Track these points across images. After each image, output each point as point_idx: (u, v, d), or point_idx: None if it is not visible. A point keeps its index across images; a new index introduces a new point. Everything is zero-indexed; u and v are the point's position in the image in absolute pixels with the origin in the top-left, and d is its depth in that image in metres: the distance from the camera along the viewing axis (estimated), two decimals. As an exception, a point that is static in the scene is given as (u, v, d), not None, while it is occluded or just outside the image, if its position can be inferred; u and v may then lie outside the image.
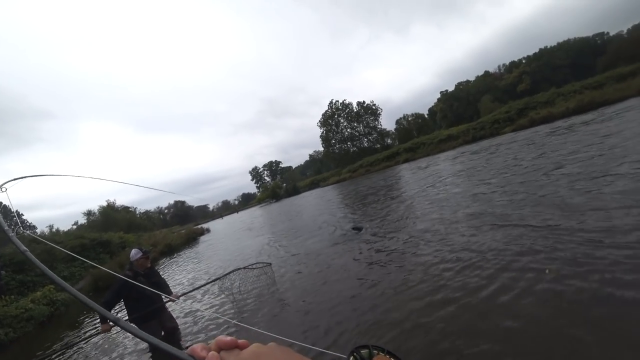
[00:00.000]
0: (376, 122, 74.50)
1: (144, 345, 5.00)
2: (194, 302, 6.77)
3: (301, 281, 5.94)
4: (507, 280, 3.67)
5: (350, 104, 74.88)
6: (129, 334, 5.74)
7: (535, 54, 72.44)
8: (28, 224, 54.82)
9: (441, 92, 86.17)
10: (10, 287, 11.61)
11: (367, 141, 74.49)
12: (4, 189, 0.91)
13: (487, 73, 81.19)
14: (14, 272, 12.89)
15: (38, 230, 40.14)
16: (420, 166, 24.32)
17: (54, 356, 6.21)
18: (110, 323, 4.55)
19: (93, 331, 6.47)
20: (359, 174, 48.70)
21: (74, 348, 6.25)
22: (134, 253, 5.10)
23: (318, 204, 22.17)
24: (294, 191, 61.95)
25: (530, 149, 13.08)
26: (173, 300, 4.77)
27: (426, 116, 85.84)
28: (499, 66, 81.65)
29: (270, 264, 6.85)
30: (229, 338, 0.49)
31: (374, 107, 74.58)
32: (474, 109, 70.72)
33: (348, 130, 74.73)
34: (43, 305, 10.35)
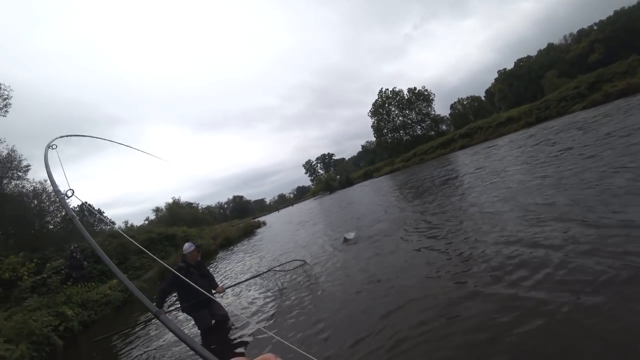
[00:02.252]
0: (429, 109, 71.44)
1: (196, 330, 5.27)
2: (232, 297, 7.02)
3: (343, 280, 5.82)
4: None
5: (400, 91, 72.54)
6: (184, 317, 6.10)
7: (609, 17, 64.01)
8: (109, 220, 61.07)
9: (499, 72, 79.72)
10: (92, 275, 13.02)
11: (420, 129, 71.81)
12: (54, 146, 0.91)
13: (551, 46, 73.39)
14: (95, 263, 14.43)
15: (116, 226, 44.53)
16: (478, 152, 22.83)
17: (126, 333, 6.83)
18: (165, 310, 4.87)
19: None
20: (412, 162, 47.25)
21: (137, 329, 6.80)
22: (188, 246, 5.39)
23: (370, 195, 21.86)
24: (348, 183, 61.96)
25: (608, 127, 11.58)
26: (220, 292, 4.98)
27: (483, 98, 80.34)
28: (565, 36, 73.36)
29: (305, 262, 6.88)
30: None
31: (425, 93, 71.48)
32: (536, 87, 64.32)
33: (400, 118, 72.58)
34: (118, 292, 11.50)
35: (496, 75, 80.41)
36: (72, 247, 12.70)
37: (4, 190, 18.27)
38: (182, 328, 5.51)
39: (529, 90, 67.55)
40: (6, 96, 17.51)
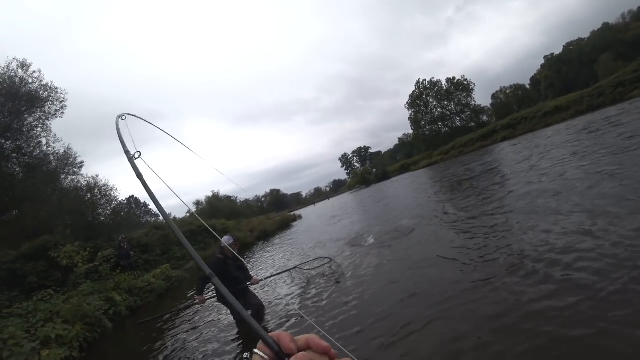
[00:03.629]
0: (469, 99, 68.32)
1: (230, 319, 5.48)
2: (268, 288, 7.23)
3: (369, 279, 5.80)
4: None
5: (439, 81, 69.99)
6: (218, 308, 6.36)
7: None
8: (153, 212, 64.66)
9: (545, 57, 73.99)
10: (138, 264, 13.95)
11: (459, 120, 69.07)
12: (124, 117, 1.02)
13: (606, 25, 66.72)
14: (141, 252, 15.47)
15: (160, 218, 47.14)
16: (522, 144, 21.62)
17: (167, 318, 7.28)
18: (205, 296, 5.13)
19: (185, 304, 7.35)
20: (451, 155, 45.75)
21: (180, 315, 7.20)
22: (227, 239, 5.62)
23: (407, 190, 21.46)
24: (384, 176, 61.37)
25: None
26: (254, 284, 5.16)
27: (528, 87, 75.46)
28: (622, 14, 66.08)
29: (331, 259, 6.99)
30: (324, 343, 0.45)
31: (465, 83, 68.38)
32: (588, 73, 59.04)
33: (438, 110, 70.18)
34: (161, 280, 12.22)
35: (543, 61, 74.98)
36: (120, 238, 13.66)
37: (62, 185, 19.93)
38: (218, 317, 5.80)
39: (580, 76, 62.20)
40: (62, 99, 18.99)
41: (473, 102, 68.41)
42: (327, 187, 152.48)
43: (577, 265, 3.65)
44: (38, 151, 19.48)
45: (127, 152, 0.82)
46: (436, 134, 69.56)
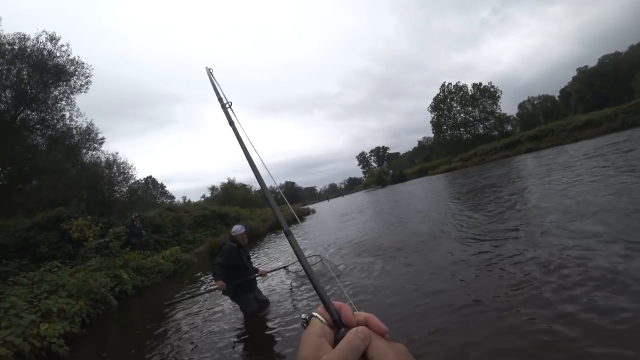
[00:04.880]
0: (494, 106, 66.43)
1: (240, 315, 5.25)
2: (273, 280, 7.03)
3: (377, 282, 5.45)
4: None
5: (464, 86, 68.34)
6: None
7: None
8: (169, 194, 65.67)
9: (578, 69, 70.81)
10: (149, 244, 13.94)
11: (482, 127, 67.40)
12: (211, 70, 0.84)
13: (648, 39, 63.63)
14: (153, 232, 15.48)
15: (175, 201, 47.65)
16: (547, 158, 20.73)
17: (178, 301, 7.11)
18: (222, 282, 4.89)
19: (201, 289, 7.16)
20: (472, 163, 44.69)
21: (192, 300, 7.01)
22: (239, 228, 5.42)
23: (422, 194, 20.93)
24: (401, 178, 60.81)
25: None
26: (262, 275, 4.94)
27: (557, 98, 72.67)
28: None
29: (322, 257, 6.96)
30: (383, 325, 0.44)
31: (492, 89, 66.47)
32: (624, 89, 56.42)
33: (462, 115, 68.56)
34: (170, 262, 12.16)
35: (575, 73, 71.87)
36: (133, 216, 13.66)
37: (82, 159, 20.20)
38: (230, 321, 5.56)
39: (613, 92, 59.42)
40: (88, 74, 19.18)
41: (498, 110, 66.55)
42: (342, 184, 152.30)
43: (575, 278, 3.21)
44: (61, 124, 19.77)
45: (220, 100, 0.83)
46: (457, 139, 68.11)
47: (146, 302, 8.96)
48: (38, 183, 16.27)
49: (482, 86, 66.95)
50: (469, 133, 67.85)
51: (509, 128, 66.68)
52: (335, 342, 0.43)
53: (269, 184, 0.66)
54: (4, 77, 17.34)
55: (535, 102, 71.15)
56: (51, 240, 10.26)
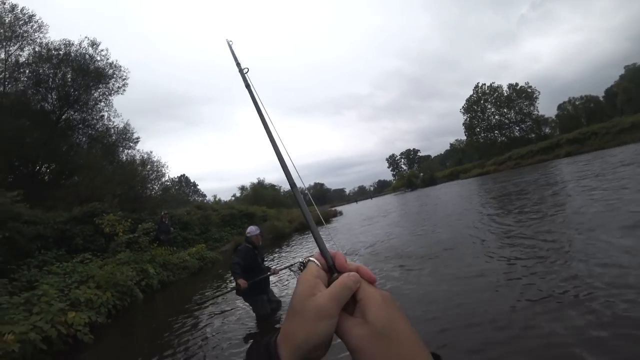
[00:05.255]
0: (531, 108, 63.14)
1: (253, 315, 5.30)
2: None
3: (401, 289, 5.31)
4: None
5: (499, 87, 65.65)
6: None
7: None
8: (201, 192, 67.64)
9: (626, 67, 65.74)
10: (176, 241, 14.41)
11: (518, 130, 64.48)
12: (231, 41, 0.97)
13: None
14: (181, 230, 15.99)
15: (206, 199, 49.00)
16: (590, 162, 19.53)
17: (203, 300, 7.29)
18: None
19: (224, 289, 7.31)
20: (506, 167, 42.95)
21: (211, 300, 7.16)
22: (254, 229, 5.48)
23: (453, 198, 20.35)
24: (431, 181, 59.65)
25: None
26: (274, 274, 4.99)
27: (601, 99, 68.10)
28: None
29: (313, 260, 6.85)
30: (372, 274, 0.48)
31: (529, 90, 63.32)
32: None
33: (496, 117, 65.93)
34: (195, 259, 12.50)
35: (622, 72, 66.88)
36: (162, 213, 14.18)
37: (119, 157, 21.29)
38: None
39: (666, 92, 55.15)
40: (125, 77, 20.22)
41: (536, 112, 63.24)
42: (371, 186, 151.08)
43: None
44: (100, 124, 21.03)
45: (238, 65, 0.87)
46: (491, 142, 65.63)
47: (170, 297, 9.26)
48: (77, 179, 17.27)
49: (519, 87, 64.00)
50: (504, 136, 65.17)
51: (547, 130, 63.37)
52: (328, 284, 0.47)
53: (294, 175, 0.67)
54: (50, 80, 18.62)
55: (577, 102, 67.06)
56: (86, 233, 10.84)
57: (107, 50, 19.47)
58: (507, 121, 65.00)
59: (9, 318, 4.51)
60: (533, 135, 61.12)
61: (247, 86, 0.82)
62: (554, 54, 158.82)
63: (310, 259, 0.52)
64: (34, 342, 4.36)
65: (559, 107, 68.52)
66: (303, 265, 0.53)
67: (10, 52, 17.26)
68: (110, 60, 19.63)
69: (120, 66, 20.04)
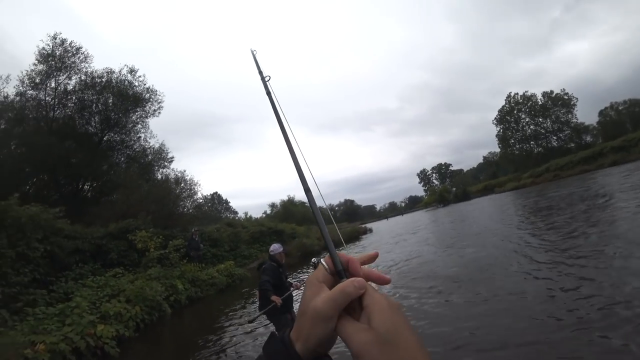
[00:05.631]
0: (569, 115, 60.04)
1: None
2: None
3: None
4: None
5: (533, 95, 63.18)
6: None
7: None
8: (232, 210, 69.21)
9: None
10: (206, 257, 14.73)
11: (556, 139, 61.44)
12: (255, 51, 1.00)
13: None
14: (210, 246, 16.34)
15: (237, 216, 50.04)
16: (637, 171, 18.17)
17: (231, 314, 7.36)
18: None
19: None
20: (544, 179, 40.80)
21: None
22: (277, 247, 5.48)
23: (487, 213, 19.56)
24: (464, 196, 57.84)
25: None
26: (297, 288, 4.95)
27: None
28: None
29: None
30: (385, 276, 0.50)
31: (565, 97, 60.37)
32: None
33: (531, 127, 63.25)
34: (224, 276, 12.67)
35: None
36: (192, 230, 14.58)
37: (154, 176, 22.35)
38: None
39: None
40: (160, 100, 21.41)
41: (574, 120, 60.01)
42: (402, 202, 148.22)
43: None
44: (137, 145, 22.33)
45: (260, 73, 0.90)
46: (527, 154, 62.85)
47: (198, 313, 9.41)
48: (115, 197, 18.24)
49: (554, 94, 61.24)
50: (541, 146, 62.26)
51: (588, 139, 59.86)
52: None
53: (310, 181, 0.65)
54: (94, 105, 20.06)
55: (620, 107, 63.05)
56: (120, 249, 11.34)
57: (144, 76, 20.73)
58: (543, 131, 62.14)
59: (43, 328, 4.74)
60: (572, 145, 57.95)
61: (268, 93, 0.84)
62: (591, 57, 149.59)
63: (322, 261, 0.52)
64: (64, 353, 4.55)
65: (601, 113, 64.55)
66: (314, 265, 0.54)
67: (59, 81, 18.78)
68: (147, 85, 20.87)
69: (156, 90, 21.25)
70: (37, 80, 18.11)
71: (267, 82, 0.85)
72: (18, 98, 18.07)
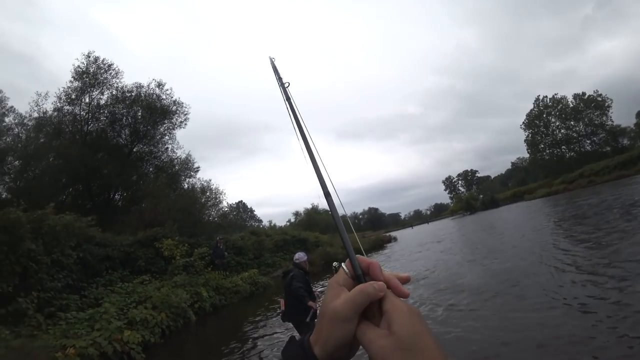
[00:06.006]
0: (603, 118, 57.05)
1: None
2: None
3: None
4: None
5: (563, 98, 60.65)
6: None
7: None
8: (257, 218, 69.93)
9: None
10: (230, 265, 14.91)
11: (589, 143, 58.58)
12: (274, 59, 1.00)
13: None
14: (235, 255, 16.54)
15: (262, 224, 50.54)
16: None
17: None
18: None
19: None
20: (578, 185, 38.97)
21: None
22: (302, 255, 5.49)
23: (516, 221, 18.85)
24: (492, 204, 56.22)
25: None
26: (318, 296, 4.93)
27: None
28: None
29: None
30: (405, 290, 0.48)
31: (599, 99, 57.49)
32: None
33: (562, 131, 60.68)
34: (248, 284, 12.76)
35: None
36: (217, 238, 14.82)
37: (181, 185, 23.03)
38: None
39: None
40: (186, 112, 22.15)
41: (609, 122, 57.06)
42: (427, 210, 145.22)
43: None
44: (165, 156, 23.13)
45: (279, 79, 0.90)
46: (558, 159, 60.30)
47: (222, 320, 9.50)
48: (143, 205, 18.90)
49: (586, 96, 58.56)
50: (573, 151, 59.56)
51: (625, 142, 56.71)
52: None
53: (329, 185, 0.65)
54: (124, 118, 20.99)
55: (662, 107, 59.48)
56: (148, 256, 11.68)
57: (171, 89, 21.54)
58: (575, 135, 59.46)
59: (74, 332, 4.91)
60: (608, 149, 55.09)
61: (287, 99, 0.84)
62: (627, 55, 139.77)
63: (342, 265, 0.52)
64: (92, 357, 4.69)
65: (639, 114, 61.27)
66: (336, 269, 0.55)
67: (93, 97, 19.81)
68: (174, 98, 21.66)
69: (182, 103, 22.01)
70: (73, 96, 19.18)
71: (287, 89, 0.85)
72: (56, 113, 19.21)
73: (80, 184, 19.15)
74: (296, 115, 0.78)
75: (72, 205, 15.48)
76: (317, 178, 0.65)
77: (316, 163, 0.67)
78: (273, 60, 1.00)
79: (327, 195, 0.63)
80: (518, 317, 4.33)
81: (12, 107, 19.54)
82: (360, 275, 0.49)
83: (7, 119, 19.31)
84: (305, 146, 0.70)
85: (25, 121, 19.39)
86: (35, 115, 19.11)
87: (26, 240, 6.81)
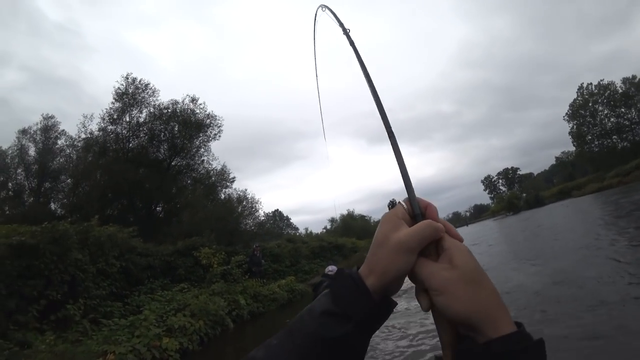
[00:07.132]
0: (660, 102, 52.46)
1: None
2: None
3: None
4: None
5: (611, 83, 55.85)
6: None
7: None
8: (293, 226, 70.38)
9: None
10: (267, 273, 14.99)
11: (645, 132, 53.91)
12: (324, 8, 0.96)
13: None
14: (272, 262, 16.64)
15: (298, 232, 50.76)
16: None
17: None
18: None
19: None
20: (633, 178, 35.70)
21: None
22: (332, 268, 5.36)
23: (567, 222, 17.48)
24: (536, 202, 53.15)
25: None
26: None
27: None
28: None
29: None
30: (460, 235, 0.49)
31: (654, 82, 52.96)
32: None
33: (611, 119, 56.02)
34: (285, 291, 12.75)
35: None
36: (254, 246, 14.98)
37: (218, 196, 23.70)
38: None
39: None
40: (220, 124, 22.85)
41: (668, 107, 52.33)
42: (467, 211, 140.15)
43: None
44: (201, 168, 23.94)
45: (341, 25, 0.86)
46: (609, 150, 55.74)
47: (260, 328, 9.47)
48: (182, 216, 19.59)
49: (637, 79, 53.71)
50: (626, 140, 54.92)
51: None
52: None
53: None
54: (162, 134, 21.98)
55: None
56: (187, 265, 12.00)
57: (204, 103, 22.36)
58: (627, 122, 54.75)
59: (115, 339, 5.02)
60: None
61: (352, 43, 0.81)
62: None
63: (400, 201, 0.53)
64: (132, 364, 4.75)
65: None
66: (392, 204, 0.56)
67: (133, 115, 20.93)
68: (207, 112, 22.48)
69: (216, 116, 22.79)
70: (115, 116, 20.37)
71: (349, 34, 0.82)
72: (100, 133, 20.49)
73: (125, 198, 20.17)
74: (363, 64, 0.74)
75: (118, 217, 16.32)
76: (380, 118, 0.64)
77: (380, 102, 0.66)
78: (324, 10, 0.95)
79: (391, 135, 0.62)
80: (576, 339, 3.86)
81: (63, 130, 21.34)
82: (418, 215, 0.50)
83: (59, 142, 21.07)
84: (370, 86, 0.69)
85: (75, 142, 20.96)
86: (83, 136, 20.50)
87: (73, 251, 7.20)
